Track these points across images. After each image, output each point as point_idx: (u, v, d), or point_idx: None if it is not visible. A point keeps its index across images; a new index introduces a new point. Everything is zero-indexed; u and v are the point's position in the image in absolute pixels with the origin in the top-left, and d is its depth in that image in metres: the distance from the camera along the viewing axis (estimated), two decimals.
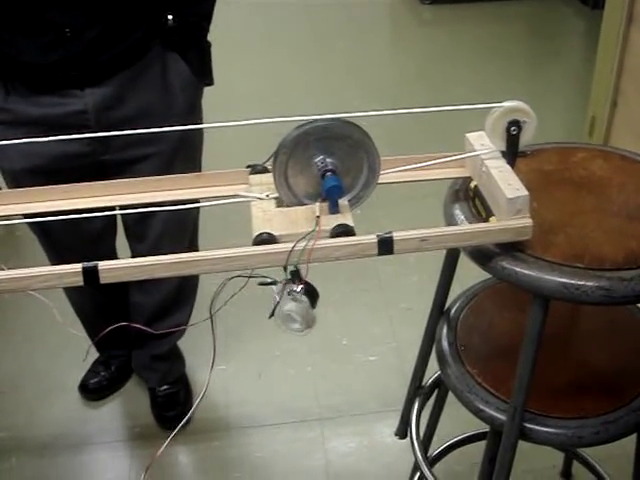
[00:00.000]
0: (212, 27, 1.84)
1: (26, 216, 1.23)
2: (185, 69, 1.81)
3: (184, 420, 1.36)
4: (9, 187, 1.84)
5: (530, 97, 1.17)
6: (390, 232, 1.04)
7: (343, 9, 5.11)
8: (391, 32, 5.15)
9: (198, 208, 1.87)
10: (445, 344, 1.40)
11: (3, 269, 1.02)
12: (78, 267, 1.01)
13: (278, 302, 1.04)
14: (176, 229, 2.00)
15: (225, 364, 2.42)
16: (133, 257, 1.95)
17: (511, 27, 4.88)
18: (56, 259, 2.04)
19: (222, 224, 2.55)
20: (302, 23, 4.98)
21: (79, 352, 2.07)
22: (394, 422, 1.68)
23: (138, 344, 2.29)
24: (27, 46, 1.64)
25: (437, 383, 1.60)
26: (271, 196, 1.12)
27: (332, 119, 1.06)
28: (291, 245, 1.02)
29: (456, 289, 1.49)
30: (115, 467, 2.20)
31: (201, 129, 1.93)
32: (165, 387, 2.30)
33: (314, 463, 2.16)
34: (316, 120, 1.05)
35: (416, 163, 1.19)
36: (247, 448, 2.22)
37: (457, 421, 1.69)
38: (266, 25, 4.98)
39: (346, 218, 1.07)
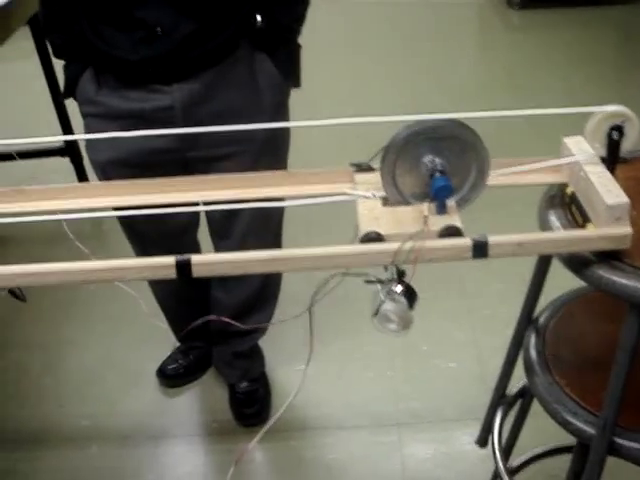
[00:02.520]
0: None
1: (115, 209, 1.25)
2: (272, 70, 1.81)
3: (272, 422, 1.37)
4: (98, 178, 1.88)
5: (622, 104, 1.14)
6: (485, 235, 1.02)
7: (430, 11, 5.08)
8: (478, 36, 5.09)
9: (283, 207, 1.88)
10: (533, 353, 1.38)
11: (91, 259, 1.04)
12: (171, 260, 1.01)
13: (383, 301, 1.03)
14: (261, 227, 2.00)
15: (304, 364, 2.41)
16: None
17: (602, 32, 4.77)
18: (141, 252, 2.08)
19: (303, 224, 2.55)
20: (388, 26, 4.96)
21: (161, 344, 2.10)
22: (472, 430, 1.66)
23: (220, 341, 2.31)
24: (119, 41, 1.67)
25: (522, 392, 1.57)
26: (377, 195, 1.12)
27: (443, 120, 1.05)
28: (399, 244, 1.01)
29: (540, 299, 1.46)
30: (190, 461, 2.22)
31: (288, 129, 1.94)
32: (245, 384, 2.31)
33: (390, 467, 2.14)
34: (426, 120, 1.05)
35: (512, 166, 1.17)
36: (323, 449, 2.22)
37: (537, 433, 1.65)
38: (352, 27, 4.99)
39: (454, 219, 1.06)
